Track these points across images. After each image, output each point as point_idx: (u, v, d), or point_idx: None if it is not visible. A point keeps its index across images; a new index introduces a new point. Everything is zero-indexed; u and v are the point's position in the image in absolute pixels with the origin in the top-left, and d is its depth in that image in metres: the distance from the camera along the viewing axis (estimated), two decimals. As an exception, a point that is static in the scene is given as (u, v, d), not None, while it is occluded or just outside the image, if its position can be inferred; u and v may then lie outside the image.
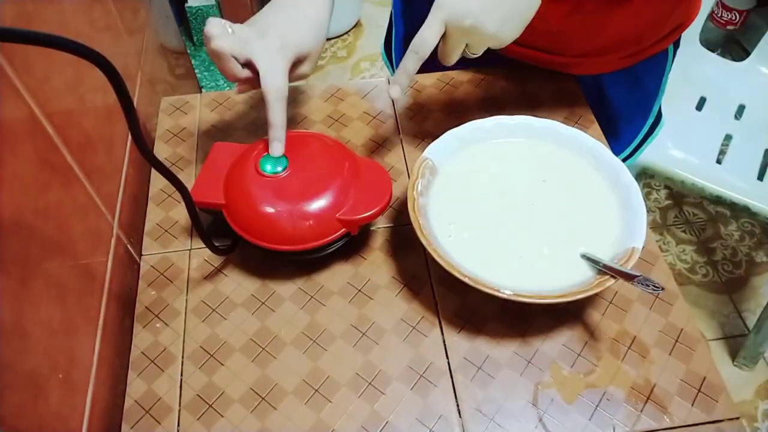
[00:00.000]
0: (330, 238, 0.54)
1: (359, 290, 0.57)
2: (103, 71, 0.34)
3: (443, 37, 0.54)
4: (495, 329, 0.55)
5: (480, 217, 0.57)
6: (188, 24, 1.91)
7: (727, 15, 1.93)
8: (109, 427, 0.50)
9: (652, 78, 0.78)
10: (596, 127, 0.71)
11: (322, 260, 0.59)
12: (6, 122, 0.41)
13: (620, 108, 0.78)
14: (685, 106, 1.34)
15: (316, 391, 0.51)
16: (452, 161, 0.60)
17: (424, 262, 0.59)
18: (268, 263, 0.59)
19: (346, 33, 2.12)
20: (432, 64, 0.82)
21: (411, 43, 0.54)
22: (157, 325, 0.55)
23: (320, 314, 0.56)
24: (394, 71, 0.95)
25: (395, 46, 0.91)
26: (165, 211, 0.64)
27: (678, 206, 1.66)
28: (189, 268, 0.59)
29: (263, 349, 0.54)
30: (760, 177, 1.21)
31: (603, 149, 0.59)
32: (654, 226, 1.61)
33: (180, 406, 0.51)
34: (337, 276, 0.58)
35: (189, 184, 0.54)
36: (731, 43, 2.01)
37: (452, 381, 0.52)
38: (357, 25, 2.14)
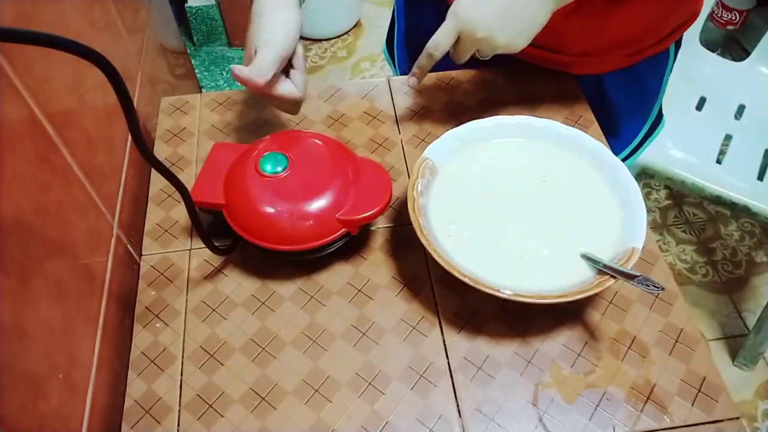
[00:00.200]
0: (330, 238, 0.54)
1: (359, 290, 0.57)
2: (103, 71, 0.34)
3: (456, 41, 0.58)
4: (495, 329, 0.55)
5: (480, 217, 0.57)
6: (188, 24, 1.92)
7: (727, 15, 1.93)
8: (109, 427, 0.50)
9: (653, 78, 0.78)
10: (596, 127, 0.71)
11: (322, 260, 0.59)
12: (6, 122, 0.41)
13: (621, 107, 0.78)
14: (685, 106, 1.34)
15: (316, 391, 0.51)
16: (452, 161, 0.60)
17: (424, 262, 0.59)
18: (268, 263, 0.59)
19: (346, 33, 2.12)
20: (438, 66, 0.82)
21: (426, 45, 0.59)
22: (157, 325, 0.55)
23: (320, 314, 0.56)
24: (395, 68, 0.95)
25: (397, 42, 0.91)
26: (165, 211, 0.64)
27: (678, 206, 1.66)
28: (189, 268, 0.59)
29: (263, 349, 0.54)
30: (760, 177, 1.21)
31: (603, 149, 0.59)
32: (654, 226, 1.61)
33: (180, 406, 0.51)
34: (337, 276, 0.58)
35: (189, 184, 0.54)
36: (731, 43, 2.01)
37: (452, 381, 0.52)
38: (357, 25, 2.14)
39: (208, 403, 0.51)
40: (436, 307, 0.56)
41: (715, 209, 1.65)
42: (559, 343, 0.54)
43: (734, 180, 1.18)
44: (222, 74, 1.90)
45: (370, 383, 0.52)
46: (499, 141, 0.62)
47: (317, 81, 1.97)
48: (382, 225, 0.62)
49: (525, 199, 0.58)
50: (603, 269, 0.50)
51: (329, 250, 0.56)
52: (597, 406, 0.50)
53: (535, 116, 0.62)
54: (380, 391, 0.51)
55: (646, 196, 1.68)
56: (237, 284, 0.58)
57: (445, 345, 0.54)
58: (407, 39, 0.88)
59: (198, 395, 0.51)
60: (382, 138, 0.70)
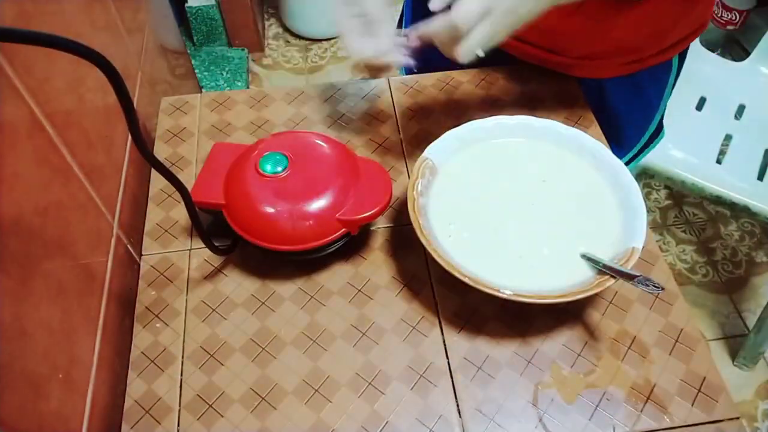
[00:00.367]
0: (330, 238, 0.54)
1: (359, 290, 0.57)
2: (103, 71, 0.34)
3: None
4: (495, 329, 0.55)
5: (480, 217, 0.57)
6: (188, 24, 1.91)
7: (727, 15, 1.93)
8: (109, 427, 0.50)
9: (654, 89, 0.78)
10: (596, 127, 0.71)
11: (322, 260, 0.59)
12: (6, 122, 0.41)
13: (620, 115, 0.78)
14: (685, 106, 1.34)
15: (316, 391, 0.51)
16: (452, 161, 0.60)
17: (424, 262, 0.59)
18: (268, 263, 0.59)
19: (346, 33, 2.12)
20: (432, 64, 0.82)
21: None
22: (157, 325, 0.55)
23: (320, 314, 0.56)
24: (402, 66, 0.95)
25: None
26: (165, 211, 0.64)
27: (678, 206, 1.66)
28: (189, 268, 0.59)
29: (263, 349, 0.54)
30: (760, 177, 1.21)
31: (603, 149, 0.59)
32: (654, 226, 1.61)
33: (180, 406, 0.51)
34: (337, 276, 0.58)
35: (189, 184, 0.54)
36: (731, 43, 2.02)
37: (452, 381, 0.52)
38: (357, 25, 2.14)
39: (208, 403, 0.51)
40: (436, 307, 0.56)
41: (715, 209, 1.65)
42: (559, 343, 0.54)
43: (734, 180, 1.18)
44: (222, 74, 1.90)
45: (370, 383, 0.52)
46: (499, 141, 0.62)
47: (317, 81, 1.97)
48: (382, 225, 0.62)
49: (525, 199, 0.58)
50: (603, 269, 0.50)
51: (329, 250, 0.56)
52: (597, 406, 0.50)
53: (535, 116, 0.62)
54: (380, 391, 0.51)
55: (646, 196, 1.68)
56: (237, 284, 0.58)
57: (445, 345, 0.54)
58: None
59: (198, 395, 0.51)
60: (382, 138, 0.70)
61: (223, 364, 0.53)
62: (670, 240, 1.59)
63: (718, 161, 1.24)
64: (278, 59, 2.05)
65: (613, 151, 0.60)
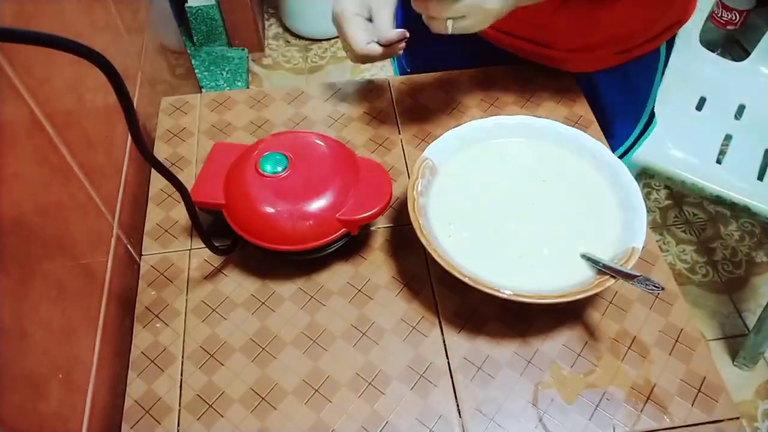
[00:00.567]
0: (330, 238, 0.54)
1: (359, 290, 0.57)
2: (103, 71, 0.34)
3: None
4: (495, 329, 0.55)
5: (480, 217, 0.57)
6: (188, 24, 1.91)
7: (727, 15, 1.93)
8: (109, 427, 0.50)
9: (644, 78, 0.79)
10: (596, 127, 0.71)
11: (322, 260, 0.59)
12: (6, 122, 0.41)
13: (613, 106, 0.79)
14: (685, 106, 1.34)
15: (316, 391, 0.51)
16: (452, 161, 0.60)
17: (424, 262, 0.59)
18: (268, 263, 0.59)
19: (346, 33, 2.12)
20: (432, 63, 0.82)
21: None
22: (157, 325, 0.55)
23: (320, 314, 0.56)
24: (394, 60, 0.95)
25: None
26: (165, 211, 0.64)
27: (678, 206, 1.66)
28: (189, 268, 0.59)
29: (263, 349, 0.54)
30: (760, 177, 1.21)
31: (603, 149, 0.59)
32: (654, 226, 1.61)
33: (180, 406, 0.51)
34: (337, 276, 0.58)
35: (189, 184, 0.54)
36: (731, 43, 2.01)
37: (452, 381, 0.52)
38: (357, 25, 2.14)
39: (208, 403, 0.51)
40: (436, 307, 0.56)
41: (715, 209, 1.65)
42: (559, 343, 0.54)
43: (734, 180, 1.18)
44: (222, 74, 1.90)
45: (370, 383, 0.52)
46: (499, 141, 0.62)
47: (317, 81, 1.97)
48: (382, 225, 0.62)
49: (525, 199, 0.58)
50: (603, 269, 0.50)
51: (329, 250, 0.56)
52: (597, 406, 0.50)
53: (535, 116, 0.62)
54: (380, 391, 0.51)
55: (646, 196, 1.68)
56: (237, 284, 0.58)
57: (445, 345, 0.54)
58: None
59: (198, 395, 0.51)
60: (382, 138, 0.70)
61: (223, 364, 0.53)
62: (670, 240, 1.59)
63: (718, 161, 1.24)
64: (278, 59, 2.05)
65: (609, 144, 0.60)
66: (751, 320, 1.42)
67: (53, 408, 0.42)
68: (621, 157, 0.84)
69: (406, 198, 0.55)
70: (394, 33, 0.61)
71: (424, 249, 0.51)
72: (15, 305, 0.39)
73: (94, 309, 0.52)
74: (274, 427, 0.49)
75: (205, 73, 1.90)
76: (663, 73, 0.79)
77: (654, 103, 0.82)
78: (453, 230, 0.55)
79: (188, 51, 1.77)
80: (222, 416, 0.50)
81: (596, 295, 0.55)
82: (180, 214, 0.63)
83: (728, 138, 1.29)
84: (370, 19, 0.63)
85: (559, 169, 0.60)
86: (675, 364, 0.52)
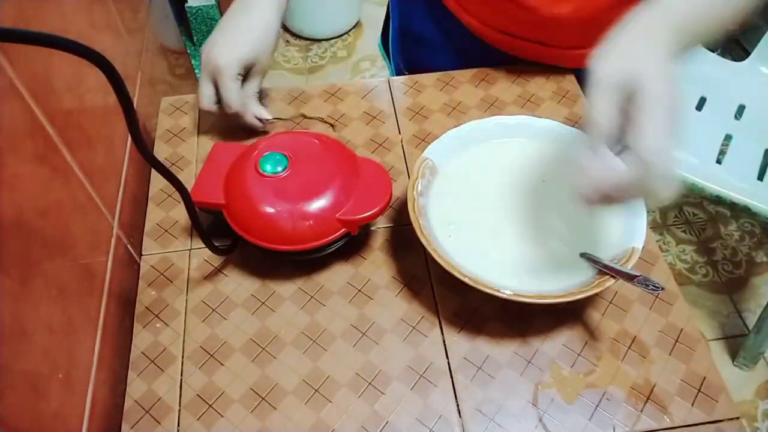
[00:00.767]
0: (330, 238, 0.54)
1: (359, 290, 0.57)
2: (103, 71, 0.34)
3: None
4: (495, 329, 0.55)
5: (480, 217, 0.57)
6: (188, 24, 1.91)
7: (727, 15, 1.92)
8: (109, 427, 0.50)
9: None
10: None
11: (322, 260, 0.59)
12: (6, 122, 0.41)
13: None
14: (685, 106, 1.34)
15: (316, 391, 0.51)
16: (452, 161, 0.60)
17: (424, 262, 0.59)
18: (268, 263, 0.59)
19: (346, 33, 2.12)
20: (427, 63, 0.82)
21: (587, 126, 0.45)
22: (157, 325, 0.55)
23: (320, 314, 0.56)
24: (391, 64, 0.95)
25: (392, 38, 0.91)
26: (165, 211, 0.64)
27: (678, 206, 1.66)
28: (189, 268, 0.59)
29: (263, 349, 0.54)
30: (760, 177, 1.21)
31: (603, 149, 0.59)
32: (654, 226, 1.61)
33: (180, 406, 0.51)
34: (337, 276, 0.58)
35: (189, 184, 0.54)
36: (731, 43, 2.01)
37: (452, 381, 0.52)
38: (357, 25, 2.14)
39: (208, 403, 0.51)
40: (436, 307, 0.56)
41: (715, 209, 1.65)
42: (559, 343, 0.54)
43: (734, 180, 1.18)
44: (222, 74, 1.90)
45: (370, 383, 0.52)
46: (499, 141, 0.62)
47: (317, 81, 1.97)
48: (382, 225, 0.62)
49: (525, 199, 0.58)
50: (603, 269, 0.50)
51: (329, 250, 0.56)
52: (597, 406, 0.50)
53: (535, 116, 0.62)
54: (380, 391, 0.51)
55: (646, 196, 1.67)
56: (237, 284, 0.58)
57: (445, 345, 0.54)
58: (401, 35, 0.88)
59: (198, 395, 0.51)
60: (382, 138, 0.70)
61: (223, 364, 0.53)
62: (670, 240, 1.59)
63: (718, 161, 1.24)
64: (278, 59, 2.04)
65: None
66: (751, 320, 1.42)
67: (53, 408, 0.42)
68: None
69: (406, 198, 0.55)
70: (255, 120, 0.67)
71: (424, 249, 0.51)
72: (15, 305, 0.39)
73: (94, 309, 0.52)
74: (274, 427, 0.49)
75: (205, 73, 1.90)
76: None
77: None
78: (453, 230, 0.55)
79: (188, 51, 1.77)
80: (222, 416, 0.50)
81: (596, 295, 0.55)
82: (180, 214, 0.63)
83: (728, 138, 1.29)
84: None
85: (559, 169, 0.60)
86: (675, 364, 0.52)
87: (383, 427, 0.49)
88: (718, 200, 1.17)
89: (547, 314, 0.55)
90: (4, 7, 0.44)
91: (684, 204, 1.66)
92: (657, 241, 1.57)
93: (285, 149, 0.55)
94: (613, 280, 0.49)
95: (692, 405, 0.50)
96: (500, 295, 0.48)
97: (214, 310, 0.56)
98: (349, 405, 0.50)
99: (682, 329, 0.54)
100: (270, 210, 0.53)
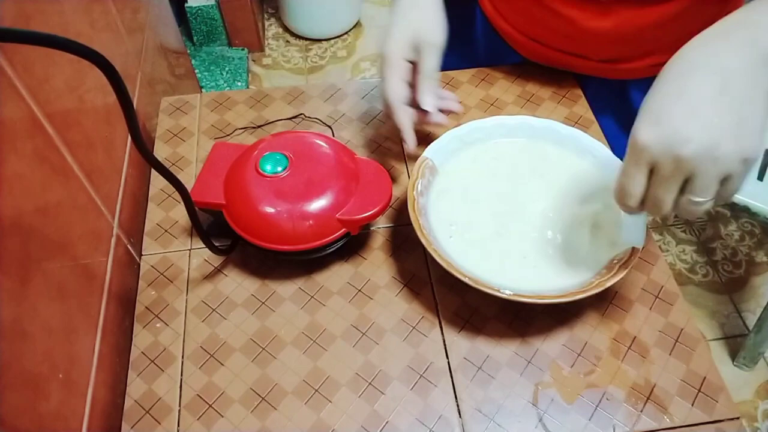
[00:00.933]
0: (330, 238, 0.54)
1: (359, 290, 0.57)
2: (102, 71, 0.34)
3: (654, 179, 0.41)
4: (495, 329, 0.55)
5: (480, 217, 0.57)
6: (188, 24, 1.91)
7: (727, 15, 1.92)
8: (109, 427, 0.50)
9: None
10: (596, 127, 0.71)
11: (322, 260, 0.59)
12: (6, 122, 0.41)
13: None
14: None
15: (316, 391, 0.51)
16: (452, 161, 0.60)
17: (424, 262, 0.59)
18: (268, 263, 0.59)
19: (346, 33, 2.12)
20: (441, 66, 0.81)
21: (615, 196, 0.44)
22: (157, 325, 0.55)
23: (320, 314, 0.56)
24: None
25: None
26: (165, 211, 0.64)
27: (678, 206, 1.66)
28: (189, 268, 0.59)
29: (263, 349, 0.54)
30: (760, 177, 1.21)
31: (603, 149, 0.59)
32: (654, 226, 1.61)
33: (180, 406, 0.51)
34: (337, 276, 0.58)
35: (189, 184, 0.54)
36: (731, 43, 2.01)
37: (452, 381, 0.52)
38: (357, 25, 2.14)
39: (208, 403, 0.51)
40: (436, 307, 0.56)
41: (715, 209, 1.65)
42: (559, 343, 0.54)
43: (734, 180, 1.18)
44: (222, 74, 1.90)
45: (370, 383, 0.52)
46: (499, 141, 0.62)
47: (317, 81, 1.97)
48: (382, 225, 0.62)
49: (525, 199, 0.58)
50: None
51: (329, 250, 0.56)
52: (597, 406, 0.50)
53: (535, 116, 0.62)
54: (380, 391, 0.51)
55: (646, 196, 1.67)
56: (237, 284, 0.58)
57: (445, 345, 0.54)
58: None
59: (198, 395, 0.51)
60: (382, 138, 0.70)
61: (223, 364, 0.53)
62: (670, 240, 1.59)
63: (718, 161, 1.24)
64: (278, 59, 2.04)
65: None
66: (751, 320, 1.42)
67: (53, 408, 0.42)
68: None
69: (406, 198, 0.55)
70: (429, 103, 0.57)
71: (424, 249, 0.51)
72: (15, 305, 0.39)
73: (94, 309, 0.52)
74: (274, 427, 0.49)
75: (205, 73, 1.90)
76: None
77: None
78: (453, 231, 0.55)
79: (188, 51, 1.77)
80: (222, 416, 0.50)
81: (596, 295, 0.55)
82: (180, 214, 0.63)
83: (728, 138, 1.29)
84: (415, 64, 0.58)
85: (560, 169, 0.60)
86: (675, 364, 0.52)
87: (383, 427, 0.49)
88: (718, 200, 1.17)
89: (547, 314, 0.55)
90: (4, 7, 0.44)
91: (684, 204, 1.66)
92: (657, 241, 1.57)
93: (285, 149, 0.55)
94: (613, 280, 0.49)
95: (692, 405, 0.50)
96: (500, 295, 0.48)
97: (214, 310, 0.56)
98: (349, 405, 0.50)
99: (682, 329, 0.54)
100: (270, 210, 0.53)
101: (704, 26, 0.43)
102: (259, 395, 0.51)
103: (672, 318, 0.55)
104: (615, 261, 0.51)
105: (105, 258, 0.55)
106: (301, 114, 0.72)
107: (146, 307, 0.57)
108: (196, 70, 1.88)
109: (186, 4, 1.85)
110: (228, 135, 0.70)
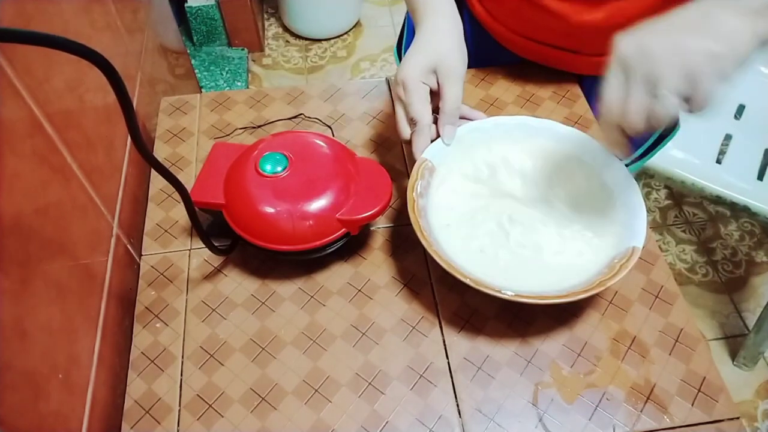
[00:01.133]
0: (330, 238, 0.54)
1: (359, 290, 0.57)
2: (102, 71, 0.34)
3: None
4: (495, 329, 0.55)
5: (480, 218, 0.57)
6: (188, 24, 1.91)
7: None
8: (109, 427, 0.50)
9: None
10: (596, 127, 0.71)
11: (322, 260, 0.59)
12: (6, 122, 0.41)
13: None
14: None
15: (316, 391, 0.51)
16: (451, 162, 0.60)
17: (424, 262, 0.59)
18: (268, 263, 0.59)
19: (346, 33, 2.12)
20: None
21: (601, 113, 0.46)
22: (157, 325, 0.55)
23: (320, 314, 0.56)
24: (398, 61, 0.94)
25: (406, 45, 0.91)
26: (165, 211, 0.64)
27: (678, 206, 1.66)
28: (189, 268, 0.59)
29: (263, 349, 0.54)
30: (760, 177, 1.21)
31: (603, 149, 0.59)
32: (654, 226, 1.61)
33: (180, 406, 0.51)
34: (337, 276, 0.58)
35: (189, 184, 0.54)
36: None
37: (452, 381, 0.52)
38: (357, 25, 2.14)
39: (208, 403, 0.51)
40: (436, 307, 0.56)
41: (715, 209, 1.65)
42: (559, 343, 0.54)
43: (734, 180, 1.18)
44: (222, 74, 1.90)
45: (370, 383, 0.52)
46: (499, 141, 0.61)
47: (317, 81, 1.97)
48: (382, 225, 0.62)
49: (525, 199, 0.58)
50: None
51: (329, 250, 0.56)
52: (597, 406, 0.50)
53: (534, 116, 0.62)
54: (380, 391, 0.51)
55: (646, 196, 1.67)
56: (237, 284, 0.58)
57: (445, 345, 0.54)
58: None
59: (198, 395, 0.51)
60: (382, 138, 0.70)
61: (223, 364, 0.53)
62: (670, 240, 1.59)
63: (718, 161, 1.24)
64: (278, 59, 2.04)
65: (633, 143, 0.57)
66: (751, 320, 1.42)
67: (53, 408, 0.42)
68: (641, 157, 0.83)
69: (406, 199, 0.55)
70: (450, 138, 0.56)
71: (424, 249, 0.51)
72: (15, 305, 0.39)
73: (94, 309, 0.52)
74: (274, 427, 0.49)
75: (205, 73, 1.90)
76: None
77: None
78: (453, 231, 0.55)
79: (188, 51, 1.77)
80: (222, 416, 0.50)
81: (596, 295, 0.55)
82: (180, 214, 0.63)
83: (728, 138, 1.29)
84: (432, 90, 0.57)
85: (559, 169, 0.60)
86: (675, 364, 0.52)
87: (383, 427, 0.49)
88: (718, 200, 1.17)
89: (547, 314, 0.55)
90: (4, 7, 0.44)
91: (684, 204, 1.66)
92: (657, 241, 1.57)
93: (285, 149, 0.55)
94: (613, 281, 0.49)
95: (692, 405, 0.50)
96: (501, 296, 0.48)
97: (214, 310, 0.56)
98: (349, 405, 0.50)
99: (682, 329, 0.54)
100: (270, 210, 0.53)
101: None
102: (259, 395, 0.51)
103: (672, 318, 0.55)
104: (615, 260, 0.51)
105: (105, 258, 0.55)
106: (300, 114, 0.72)
107: (146, 307, 0.57)
108: (196, 70, 1.88)
109: (186, 4, 1.85)
110: (228, 135, 0.70)
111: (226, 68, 1.92)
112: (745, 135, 1.29)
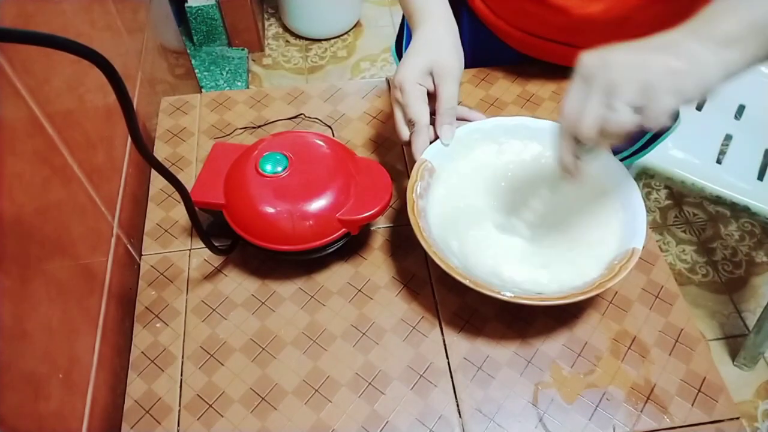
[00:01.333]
0: (330, 238, 0.54)
1: (359, 290, 0.57)
2: (102, 71, 0.34)
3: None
4: (495, 329, 0.55)
5: (480, 218, 0.57)
6: (188, 24, 1.91)
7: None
8: (109, 427, 0.50)
9: None
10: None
11: (322, 260, 0.59)
12: (6, 122, 0.41)
13: None
14: (685, 106, 1.34)
15: (316, 391, 0.51)
16: (451, 163, 0.60)
17: (424, 263, 0.59)
18: (268, 263, 0.59)
19: (346, 33, 2.12)
20: None
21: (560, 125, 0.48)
22: (157, 325, 0.55)
23: (320, 314, 0.56)
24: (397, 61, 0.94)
25: (405, 44, 0.91)
26: (165, 211, 0.64)
27: (678, 206, 1.66)
28: (189, 268, 0.59)
29: (263, 349, 0.54)
30: (760, 177, 1.21)
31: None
32: (654, 226, 1.61)
33: (180, 406, 0.51)
34: (337, 276, 0.58)
35: (189, 184, 0.54)
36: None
37: (452, 381, 0.52)
38: (357, 25, 2.14)
39: (208, 403, 0.51)
40: (436, 307, 0.56)
41: (715, 209, 1.65)
42: (559, 343, 0.54)
43: (734, 180, 1.18)
44: (222, 74, 1.90)
45: (370, 383, 0.52)
46: (499, 142, 0.61)
47: (317, 81, 1.97)
48: (382, 225, 0.62)
49: (525, 199, 0.58)
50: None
51: (329, 250, 0.56)
52: (597, 406, 0.50)
53: (534, 116, 0.62)
54: (380, 391, 0.51)
55: (646, 196, 1.67)
56: (237, 284, 0.58)
57: (445, 345, 0.54)
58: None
59: (198, 395, 0.51)
60: (382, 138, 0.70)
61: (223, 364, 0.53)
62: (670, 240, 1.59)
63: (718, 161, 1.24)
64: (278, 59, 2.04)
65: (634, 137, 0.57)
66: (751, 320, 1.42)
67: (53, 408, 0.42)
68: (637, 152, 0.82)
69: (406, 200, 0.55)
70: (448, 137, 0.57)
71: (424, 249, 0.51)
72: (15, 305, 0.39)
73: (94, 309, 0.52)
74: (274, 427, 0.49)
75: (205, 73, 1.90)
76: None
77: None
78: (453, 232, 0.55)
79: (188, 51, 1.77)
80: (222, 416, 0.50)
81: (596, 295, 0.55)
82: (180, 214, 0.63)
83: (728, 138, 1.29)
84: (429, 93, 0.57)
85: (558, 169, 0.60)
86: (675, 364, 0.52)
87: (383, 427, 0.49)
88: (718, 200, 1.17)
89: (547, 314, 0.55)
90: (4, 7, 0.44)
91: (684, 204, 1.66)
92: (657, 241, 1.57)
93: (285, 149, 0.55)
94: (613, 281, 0.49)
95: (692, 405, 0.50)
96: (501, 297, 0.48)
97: (214, 310, 0.56)
98: (349, 405, 0.50)
99: (682, 329, 0.54)
100: (270, 210, 0.53)
101: (687, 9, 0.46)
102: (259, 395, 0.51)
103: (672, 318, 0.55)
104: (615, 261, 0.51)
105: (105, 258, 0.55)
106: (301, 114, 0.72)
107: (146, 307, 0.57)
108: (196, 70, 1.87)
109: (186, 4, 1.85)
110: (228, 135, 0.70)
111: (226, 68, 1.92)
112: (746, 135, 1.29)
